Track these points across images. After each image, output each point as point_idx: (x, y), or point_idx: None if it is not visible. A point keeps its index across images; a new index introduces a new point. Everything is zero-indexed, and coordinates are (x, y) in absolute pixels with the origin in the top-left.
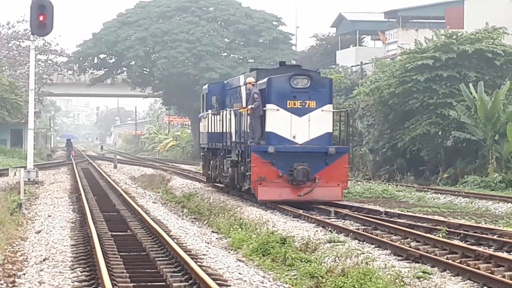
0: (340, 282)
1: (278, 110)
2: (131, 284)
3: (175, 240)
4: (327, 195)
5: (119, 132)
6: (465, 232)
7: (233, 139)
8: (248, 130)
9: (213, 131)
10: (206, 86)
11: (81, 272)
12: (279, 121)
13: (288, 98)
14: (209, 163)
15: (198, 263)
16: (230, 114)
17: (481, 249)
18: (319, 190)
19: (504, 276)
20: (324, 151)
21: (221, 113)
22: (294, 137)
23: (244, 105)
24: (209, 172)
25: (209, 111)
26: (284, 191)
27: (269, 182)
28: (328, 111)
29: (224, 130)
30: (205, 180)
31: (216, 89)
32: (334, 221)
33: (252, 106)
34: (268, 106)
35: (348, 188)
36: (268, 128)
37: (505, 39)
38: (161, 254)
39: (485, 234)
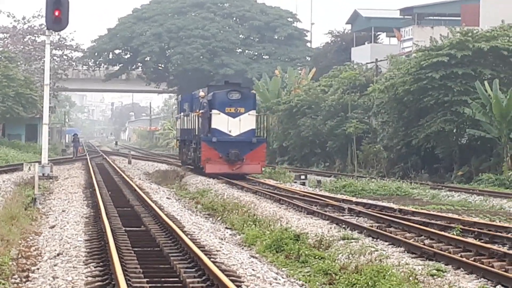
0: (353, 279)
1: (219, 114)
2: (145, 280)
3: (189, 236)
4: (251, 170)
5: (133, 127)
6: (479, 230)
7: (194, 133)
8: (200, 127)
9: (184, 127)
10: (179, 96)
11: (94, 267)
12: (220, 121)
13: (226, 106)
14: (182, 151)
15: (212, 259)
16: (193, 116)
17: (495, 247)
18: (246, 166)
19: None
20: (249, 140)
21: (189, 115)
22: (230, 131)
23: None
24: (183, 157)
25: (182, 113)
26: (223, 167)
27: (213, 161)
28: (253, 115)
29: (190, 127)
30: (180, 163)
31: (187, 98)
32: (348, 218)
33: (202, 111)
34: (213, 111)
35: (265, 166)
36: (213, 126)
37: None
38: (174, 249)
39: (500, 232)
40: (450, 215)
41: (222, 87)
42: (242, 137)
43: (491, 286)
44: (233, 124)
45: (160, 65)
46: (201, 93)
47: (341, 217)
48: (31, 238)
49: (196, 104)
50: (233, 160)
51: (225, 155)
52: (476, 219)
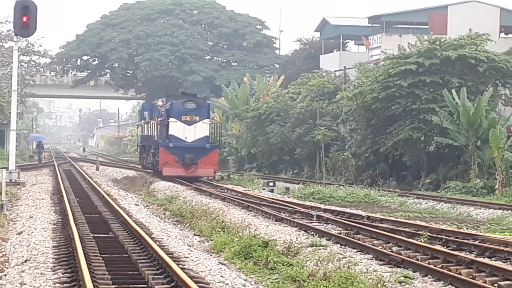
0: (322, 286)
1: (176, 121)
2: (113, 286)
3: (157, 243)
4: (205, 173)
5: (101, 134)
6: (447, 237)
7: (153, 139)
8: (158, 133)
9: (144, 134)
10: (141, 105)
11: (62, 273)
12: (177, 128)
13: (183, 114)
14: (142, 155)
15: (180, 266)
16: (153, 124)
17: (462, 254)
18: (200, 170)
19: (485, 282)
20: (203, 146)
21: (149, 123)
22: (185, 138)
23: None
24: (143, 162)
25: (142, 121)
26: (179, 170)
27: (170, 165)
28: (207, 123)
29: (149, 134)
30: (141, 167)
31: (147, 107)
32: (316, 225)
33: (160, 119)
34: (171, 119)
35: (218, 170)
36: (170, 132)
37: (488, 46)
38: (143, 256)
39: (467, 239)
40: (417, 222)
41: (179, 97)
42: (197, 143)
43: None
44: (189, 131)
45: (128, 71)
46: (160, 103)
47: (310, 224)
48: None
49: (155, 113)
50: (188, 164)
51: (181, 159)
52: (443, 227)
